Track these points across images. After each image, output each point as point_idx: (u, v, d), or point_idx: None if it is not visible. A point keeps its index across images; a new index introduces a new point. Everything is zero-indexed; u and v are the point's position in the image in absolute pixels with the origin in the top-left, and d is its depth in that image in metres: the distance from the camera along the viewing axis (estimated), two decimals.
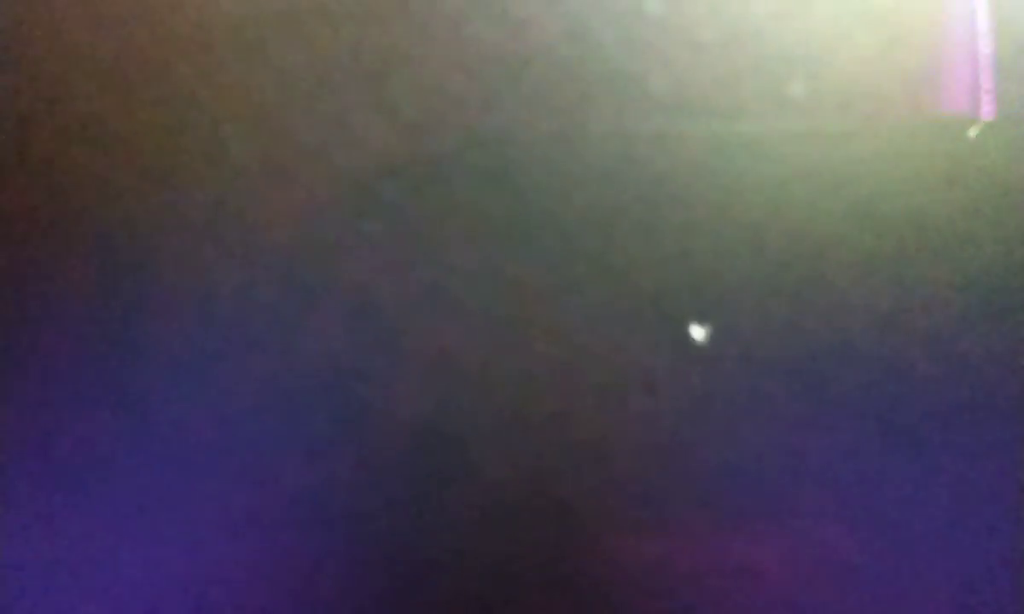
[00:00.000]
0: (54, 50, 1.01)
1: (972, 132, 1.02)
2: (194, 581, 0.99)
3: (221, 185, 1.00)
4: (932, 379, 0.97)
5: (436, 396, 0.98)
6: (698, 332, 0.98)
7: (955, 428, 0.96)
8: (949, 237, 0.97)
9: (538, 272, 0.99)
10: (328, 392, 0.99)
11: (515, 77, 0.99)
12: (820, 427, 0.97)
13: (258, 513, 0.99)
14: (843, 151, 0.98)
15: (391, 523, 0.99)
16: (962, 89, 1.03)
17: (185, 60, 1.00)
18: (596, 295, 0.98)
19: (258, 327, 0.99)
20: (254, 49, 1.00)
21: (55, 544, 0.99)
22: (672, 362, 0.98)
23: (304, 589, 0.99)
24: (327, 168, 1.00)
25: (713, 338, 0.98)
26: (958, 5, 1.02)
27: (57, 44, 1.01)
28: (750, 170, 0.97)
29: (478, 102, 1.00)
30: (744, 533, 0.98)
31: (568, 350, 0.98)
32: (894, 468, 0.97)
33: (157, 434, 0.99)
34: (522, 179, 0.99)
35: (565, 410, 0.98)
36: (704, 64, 0.99)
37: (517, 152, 0.99)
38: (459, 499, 0.98)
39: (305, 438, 0.99)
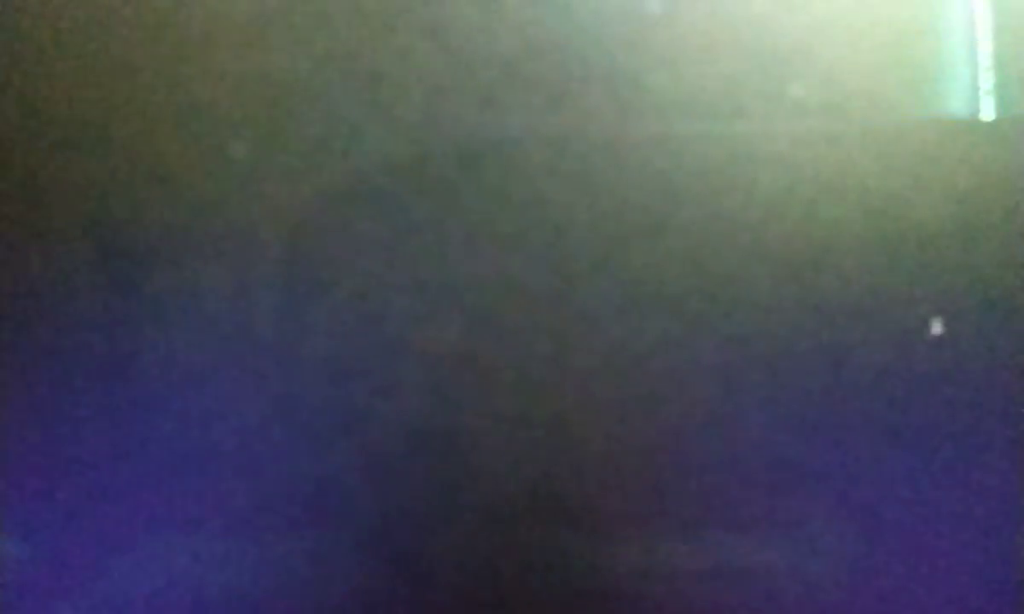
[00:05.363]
0: (54, 50, 1.01)
1: (972, 132, 1.02)
2: (193, 580, 0.99)
3: (221, 185, 1.00)
4: (932, 379, 0.97)
5: (436, 396, 0.98)
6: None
7: (955, 428, 0.97)
8: (949, 237, 0.98)
9: (538, 272, 0.99)
10: (328, 392, 0.99)
11: (515, 77, 0.99)
12: (821, 427, 0.98)
13: (258, 513, 0.99)
14: (844, 151, 0.98)
15: (391, 523, 0.99)
16: (962, 89, 1.03)
17: (185, 60, 1.00)
18: (597, 295, 0.98)
19: (258, 327, 0.99)
20: (254, 50, 1.00)
21: (56, 544, 0.99)
22: (673, 362, 0.98)
23: (304, 589, 0.99)
24: (327, 168, 1.00)
25: (714, 338, 0.98)
26: (958, 5, 1.03)
27: (57, 44, 1.01)
28: (750, 170, 0.97)
29: (478, 102, 1.00)
30: (744, 534, 0.98)
31: (569, 350, 0.99)
32: (894, 468, 0.97)
33: (156, 434, 0.99)
34: (522, 179, 0.99)
35: (566, 410, 0.99)
36: (705, 66, 0.99)
37: (518, 152, 0.99)
38: (459, 499, 0.98)
39: (305, 438, 0.99)
